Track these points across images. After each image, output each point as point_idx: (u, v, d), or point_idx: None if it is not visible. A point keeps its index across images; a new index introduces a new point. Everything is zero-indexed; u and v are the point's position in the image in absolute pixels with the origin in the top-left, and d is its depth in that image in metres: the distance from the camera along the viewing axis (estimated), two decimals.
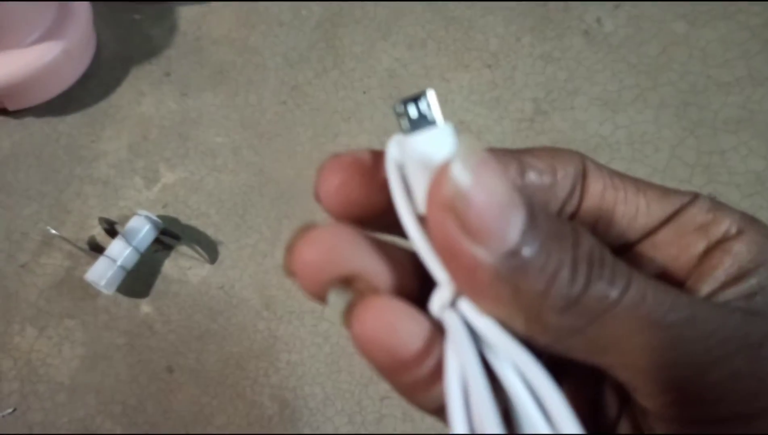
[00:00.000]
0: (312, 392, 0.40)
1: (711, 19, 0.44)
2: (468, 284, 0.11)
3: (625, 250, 0.13)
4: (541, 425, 0.10)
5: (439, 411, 0.12)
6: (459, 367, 0.11)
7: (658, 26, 0.44)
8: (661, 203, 0.13)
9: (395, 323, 0.11)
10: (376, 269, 0.12)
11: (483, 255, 0.10)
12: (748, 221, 0.13)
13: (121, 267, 0.40)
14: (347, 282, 0.12)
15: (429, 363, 0.11)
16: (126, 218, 0.43)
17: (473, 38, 0.45)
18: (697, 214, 0.13)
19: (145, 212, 0.42)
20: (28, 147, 0.46)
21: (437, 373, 0.11)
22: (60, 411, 0.41)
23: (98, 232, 0.43)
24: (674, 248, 0.13)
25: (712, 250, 0.13)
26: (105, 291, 0.40)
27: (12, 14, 0.43)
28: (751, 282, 0.12)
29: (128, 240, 0.41)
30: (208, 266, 0.42)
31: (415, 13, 0.47)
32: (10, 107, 0.46)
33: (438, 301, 0.12)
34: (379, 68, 0.46)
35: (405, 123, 0.12)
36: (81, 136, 0.46)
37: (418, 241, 0.12)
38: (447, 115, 0.44)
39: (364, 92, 0.45)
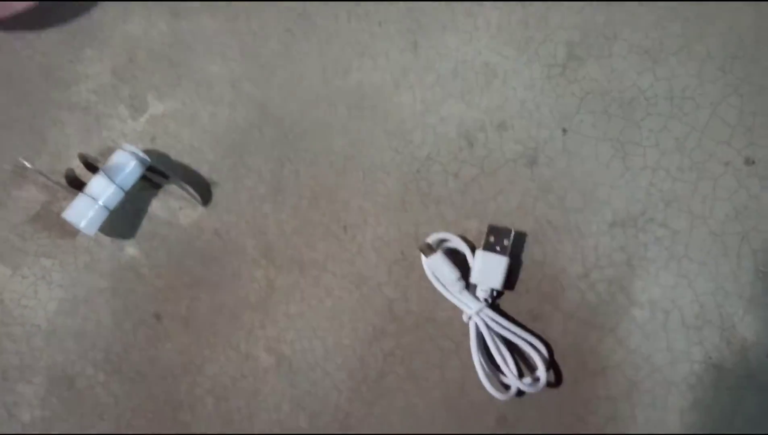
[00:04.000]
0: (311, 346, 0.37)
1: None
2: None
3: None
4: None
5: None
6: None
7: None
8: None
9: None
10: None
11: None
12: None
13: (103, 206, 0.37)
14: None
15: None
16: (109, 151, 0.39)
17: None
18: None
19: (130, 147, 0.37)
20: None
21: None
22: (37, 355, 0.38)
23: (77, 165, 0.39)
24: None
25: None
26: (85, 232, 0.37)
27: None
28: None
29: (111, 177, 0.37)
30: (200, 208, 0.39)
31: None
32: None
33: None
34: None
35: None
36: (58, 56, 0.41)
37: None
38: (471, 57, 0.39)
39: (380, 24, 0.40)
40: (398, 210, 0.38)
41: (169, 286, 0.38)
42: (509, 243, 0.35)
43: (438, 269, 0.35)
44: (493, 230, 0.35)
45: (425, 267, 0.36)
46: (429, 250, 0.35)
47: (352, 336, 0.37)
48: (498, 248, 0.35)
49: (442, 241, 0.37)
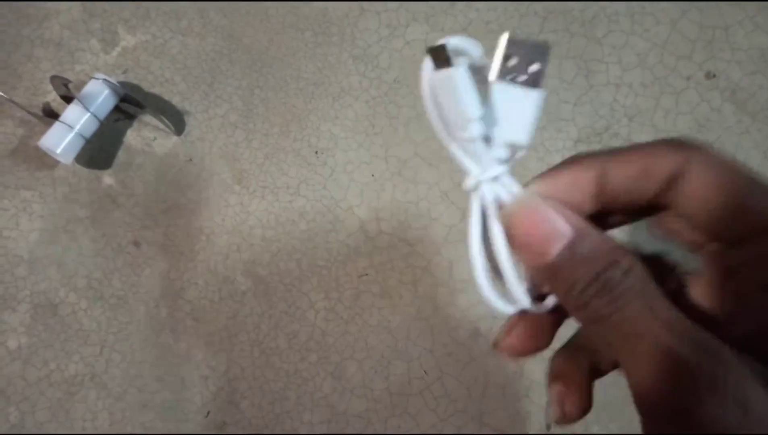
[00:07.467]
0: (287, 268, 0.38)
1: None
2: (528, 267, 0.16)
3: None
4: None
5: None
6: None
7: None
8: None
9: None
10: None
11: (529, 260, 0.16)
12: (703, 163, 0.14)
13: (79, 134, 0.37)
14: None
15: None
16: (83, 84, 0.39)
17: None
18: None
19: (103, 76, 0.38)
20: None
21: None
22: (20, 284, 0.39)
23: (53, 99, 0.40)
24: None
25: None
26: (62, 160, 0.38)
27: None
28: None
29: (85, 105, 0.37)
30: (174, 137, 0.39)
31: None
32: None
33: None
34: None
35: None
36: None
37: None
38: None
39: None
40: (368, 133, 0.39)
41: (146, 213, 0.39)
42: (544, 67, 0.16)
43: (449, 93, 0.17)
44: (514, 45, 0.16)
45: (425, 85, 0.17)
46: (443, 59, 0.16)
47: (326, 257, 0.38)
48: (524, 78, 0.17)
49: (462, 54, 0.17)
